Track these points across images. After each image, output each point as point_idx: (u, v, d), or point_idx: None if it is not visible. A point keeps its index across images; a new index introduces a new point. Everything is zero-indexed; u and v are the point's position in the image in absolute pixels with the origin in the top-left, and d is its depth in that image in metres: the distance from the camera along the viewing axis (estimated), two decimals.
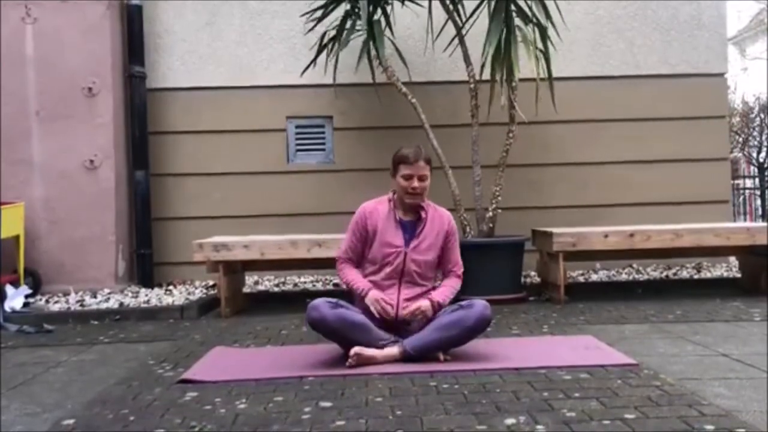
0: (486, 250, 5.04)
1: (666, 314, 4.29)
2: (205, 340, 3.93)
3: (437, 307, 3.25)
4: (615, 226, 5.28)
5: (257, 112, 6.12)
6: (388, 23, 5.52)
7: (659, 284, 5.54)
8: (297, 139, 6.20)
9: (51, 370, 3.34)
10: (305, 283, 5.88)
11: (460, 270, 3.45)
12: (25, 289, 5.07)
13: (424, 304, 3.24)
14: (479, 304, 3.20)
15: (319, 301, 3.16)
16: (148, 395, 2.79)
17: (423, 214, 3.35)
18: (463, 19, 5.43)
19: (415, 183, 3.27)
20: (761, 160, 12.91)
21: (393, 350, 3.17)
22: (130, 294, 5.38)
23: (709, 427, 2.20)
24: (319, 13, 5.47)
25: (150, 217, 5.94)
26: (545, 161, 6.17)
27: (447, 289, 3.37)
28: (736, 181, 12.45)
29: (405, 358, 3.14)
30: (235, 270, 4.99)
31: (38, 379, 3.17)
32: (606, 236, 4.90)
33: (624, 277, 5.83)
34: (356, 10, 5.27)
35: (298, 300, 4.96)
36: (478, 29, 5.32)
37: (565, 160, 6.19)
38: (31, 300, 5.10)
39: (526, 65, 5.05)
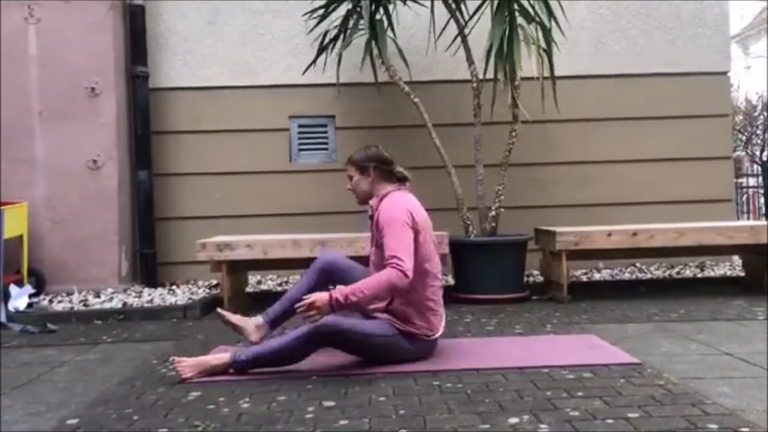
0: (489, 249, 5.04)
1: (669, 313, 4.29)
2: (208, 339, 3.93)
3: (334, 302, 2.90)
4: (618, 224, 5.28)
5: (260, 112, 6.13)
6: (390, 22, 5.51)
7: (662, 283, 5.54)
8: (300, 138, 6.21)
9: (55, 370, 3.35)
10: None
11: (395, 261, 2.95)
12: (28, 289, 5.07)
13: (315, 296, 2.93)
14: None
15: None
16: (151, 395, 2.79)
17: (370, 211, 3.30)
18: (466, 18, 5.42)
19: (347, 184, 3.37)
20: (764, 158, 12.88)
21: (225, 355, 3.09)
22: (133, 294, 5.39)
23: (713, 426, 2.20)
24: (321, 13, 5.48)
25: (153, 216, 5.95)
26: (548, 160, 6.16)
27: (364, 282, 2.98)
28: (739, 180, 12.44)
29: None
30: (237, 269, 5.00)
31: (42, 379, 3.18)
32: (609, 235, 4.89)
33: (627, 276, 5.82)
34: (358, 9, 5.27)
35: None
36: (481, 28, 5.32)
37: (568, 158, 6.19)
38: (34, 300, 5.11)
39: (528, 64, 5.04)
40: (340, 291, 2.95)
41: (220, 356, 3.09)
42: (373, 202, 3.28)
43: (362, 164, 3.30)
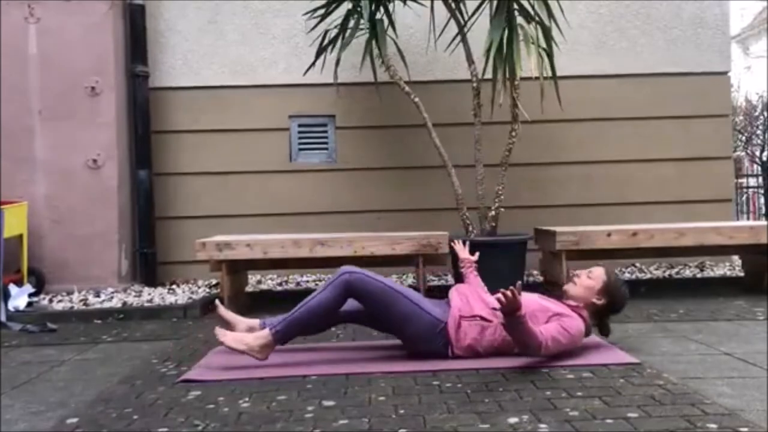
0: (488, 248, 5.02)
1: (669, 313, 4.29)
2: (208, 339, 3.92)
3: (520, 311, 2.80)
4: (618, 224, 5.28)
5: (260, 111, 6.13)
6: (391, 22, 5.51)
7: (662, 283, 5.54)
8: (300, 138, 6.21)
9: (54, 369, 3.35)
10: (308, 282, 5.89)
11: (546, 345, 2.95)
12: (28, 288, 5.08)
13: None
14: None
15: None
16: (151, 394, 2.80)
17: (566, 301, 3.32)
18: (465, 18, 5.42)
19: (581, 274, 3.39)
20: (764, 158, 12.88)
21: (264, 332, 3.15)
22: (133, 293, 5.39)
23: (712, 425, 2.20)
24: (321, 12, 5.48)
25: (153, 215, 5.95)
26: (548, 160, 6.17)
27: (533, 327, 2.91)
28: (739, 180, 12.44)
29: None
30: (237, 269, 5.00)
31: (42, 378, 3.18)
32: (609, 235, 4.89)
33: (627, 276, 5.82)
34: (358, 9, 5.27)
35: (300, 299, 4.95)
36: (481, 28, 5.32)
37: (568, 158, 6.19)
38: (34, 299, 5.11)
39: (528, 64, 5.04)
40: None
41: (259, 334, 3.13)
42: (573, 303, 3.28)
43: (608, 293, 3.29)
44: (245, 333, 3.22)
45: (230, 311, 3.45)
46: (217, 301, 3.51)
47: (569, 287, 3.36)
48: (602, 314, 3.35)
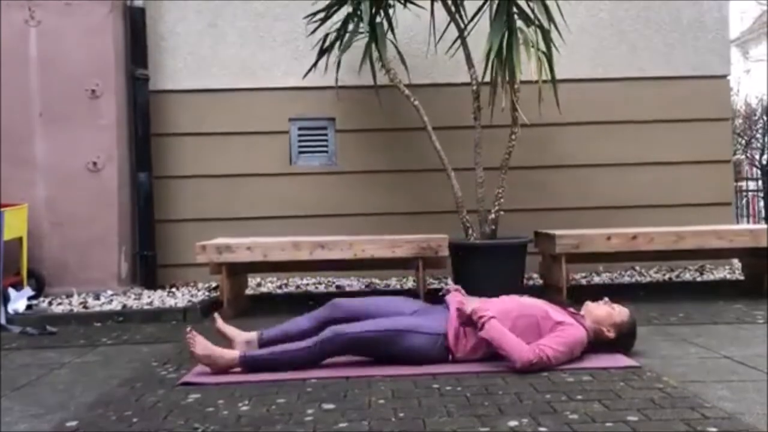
0: (488, 251, 5.04)
1: (669, 316, 4.29)
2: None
3: (477, 318, 3.09)
4: (618, 228, 5.28)
5: (260, 114, 6.13)
6: (390, 25, 5.52)
7: (662, 286, 5.54)
8: (300, 141, 6.21)
9: (54, 372, 3.35)
10: (307, 285, 5.89)
11: (546, 352, 3.01)
12: (28, 291, 5.08)
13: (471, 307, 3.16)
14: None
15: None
16: (151, 397, 2.80)
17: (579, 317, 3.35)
18: (465, 21, 5.43)
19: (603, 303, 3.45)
20: (764, 162, 12.88)
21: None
22: (132, 296, 5.39)
23: (712, 429, 2.21)
24: (321, 15, 5.48)
25: (153, 218, 5.95)
26: (548, 163, 6.16)
27: (509, 335, 3.05)
28: (739, 183, 12.43)
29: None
30: (237, 272, 5.00)
31: (41, 381, 3.18)
32: (609, 238, 4.89)
33: (626, 279, 5.82)
34: (358, 12, 5.27)
35: (300, 302, 4.96)
36: (481, 31, 5.32)
37: (568, 162, 6.19)
38: (34, 302, 5.11)
39: (528, 67, 5.04)
40: (490, 316, 3.09)
41: (228, 351, 3.13)
42: (574, 311, 3.33)
43: (619, 332, 3.28)
44: (216, 348, 3.13)
45: (228, 325, 3.40)
46: (216, 315, 3.46)
47: (594, 304, 3.39)
48: (601, 343, 3.29)
